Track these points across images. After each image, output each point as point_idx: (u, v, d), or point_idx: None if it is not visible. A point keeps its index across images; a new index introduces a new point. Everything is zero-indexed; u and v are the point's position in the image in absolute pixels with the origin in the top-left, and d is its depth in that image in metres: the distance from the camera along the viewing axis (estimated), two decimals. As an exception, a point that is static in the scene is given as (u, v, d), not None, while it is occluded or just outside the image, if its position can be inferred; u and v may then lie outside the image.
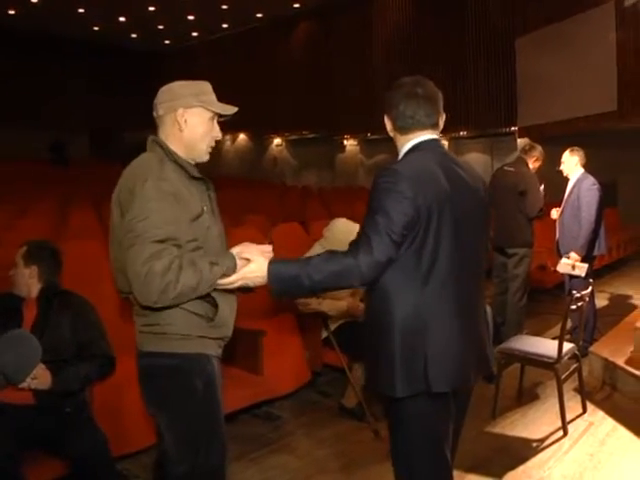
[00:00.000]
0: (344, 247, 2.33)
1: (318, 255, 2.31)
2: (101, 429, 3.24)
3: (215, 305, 2.42)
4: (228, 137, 22.21)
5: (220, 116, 2.58)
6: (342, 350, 4.65)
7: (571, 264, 5.85)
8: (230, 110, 2.57)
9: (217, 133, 2.58)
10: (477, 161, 15.83)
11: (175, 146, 2.48)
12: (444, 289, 2.32)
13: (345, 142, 19.15)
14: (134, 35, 21.52)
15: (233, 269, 2.33)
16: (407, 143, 2.47)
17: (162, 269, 2.19)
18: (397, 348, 2.29)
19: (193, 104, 2.47)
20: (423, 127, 2.45)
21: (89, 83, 21.08)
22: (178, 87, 2.50)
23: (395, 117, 2.47)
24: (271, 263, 2.33)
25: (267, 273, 2.32)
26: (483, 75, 14.85)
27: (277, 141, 21.22)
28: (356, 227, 4.94)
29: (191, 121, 2.47)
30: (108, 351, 3.45)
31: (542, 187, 6.30)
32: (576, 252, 5.85)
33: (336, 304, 4.69)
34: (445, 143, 15.96)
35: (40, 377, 3.05)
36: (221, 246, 2.55)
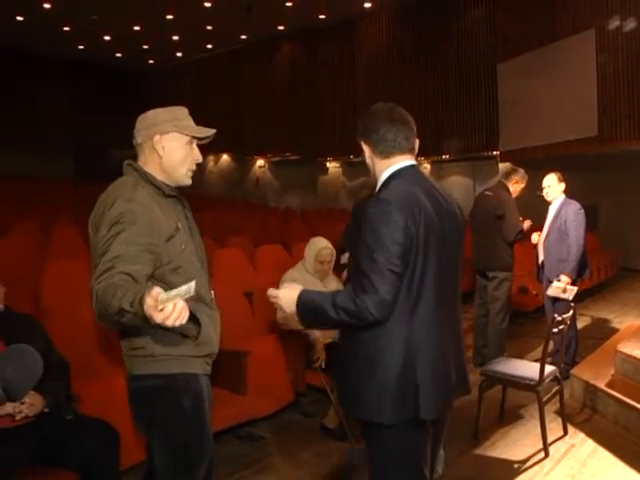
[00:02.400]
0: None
1: (338, 292, 2.33)
2: (109, 423, 3.28)
3: (198, 323, 2.44)
4: (211, 158, 22.24)
5: (200, 139, 2.59)
6: (325, 371, 4.66)
7: (562, 287, 5.88)
8: (207, 132, 2.58)
9: (197, 156, 2.59)
10: (459, 184, 15.97)
11: (154, 172, 2.50)
12: (431, 317, 2.35)
13: (328, 164, 19.25)
14: (119, 54, 21.56)
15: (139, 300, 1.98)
16: (387, 169, 2.48)
17: (96, 282, 2.17)
18: (388, 377, 2.31)
19: (169, 130, 2.49)
20: (403, 151, 2.48)
21: (73, 102, 21.05)
22: (153, 114, 2.52)
23: (376, 142, 2.47)
24: (302, 292, 2.40)
25: (296, 299, 2.39)
26: (465, 99, 15.02)
27: (260, 162, 21.27)
28: (325, 242, 4.98)
29: (168, 147, 2.49)
30: (62, 354, 3.53)
31: (528, 222, 6.37)
32: (566, 275, 5.89)
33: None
34: (427, 166, 16.09)
35: (32, 401, 3.07)
36: (200, 264, 2.58)
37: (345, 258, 2.85)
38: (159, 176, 2.51)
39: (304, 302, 2.38)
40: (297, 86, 19.11)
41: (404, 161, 2.49)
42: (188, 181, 2.58)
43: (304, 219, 13.81)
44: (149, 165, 2.51)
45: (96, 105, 21.49)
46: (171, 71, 23.01)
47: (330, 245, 4.99)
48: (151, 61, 22.80)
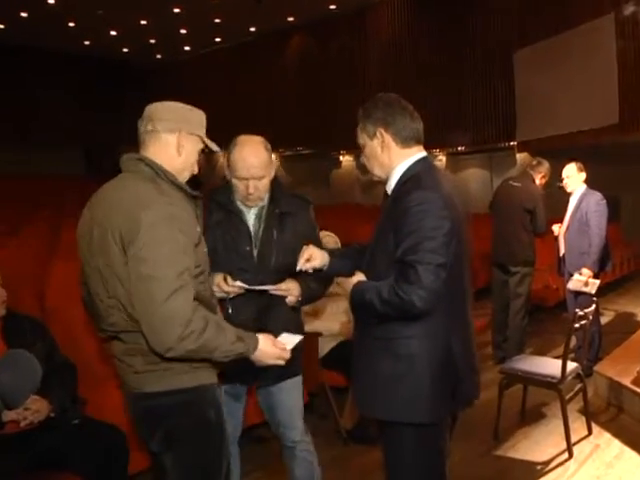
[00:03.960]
0: None
1: (382, 284, 2.33)
2: (116, 427, 3.26)
3: None
4: (222, 153, 22.21)
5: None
6: (342, 370, 4.61)
7: (584, 281, 5.80)
8: (215, 148, 2.53)
9: (196, 168, 2.50)
10: (476, 176, 15.85)
11: (164, 166, 2.36)
12: (463, 309, 2.43)
13: (341, 158, 19.16)
14: (125, 49, 21.59)
15: (254, 349, 2.34)
16: (407, 159, 2.48)
17: (188, 314, 2.10)
18: (427, 375, 2.34)
19: (196, 132, 2.41)
20: (420, 142, 2.51)
21: (80, 98, 21.03)
22: (184, 110, 2.41)
23: (398, 129, 2.47)
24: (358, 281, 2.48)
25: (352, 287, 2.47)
26: (481, 89, 14.89)
27: (272, 157, 21.24)
28: (328, 232, 4.96)
29: (186, 148, 2.39)
30: (67, 357, 3.51)
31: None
32: (588, 268, 5.82)
33: (328, 325, 4.71)
34: (442, 159, 15.99)
35: (37, 407, 3.05)
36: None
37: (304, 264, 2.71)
38: None
39: (356, 291, 2.43)
40: (308, 78, 19.04)
41: (421, 152, 2.51)
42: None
43: (317, 215, 13.73)
44: (160, 158, 2.35)
45: (104, 101, 21.50)
46: (179, 65, 23.00)
47: (332, 234, 4.97)
48: (158, 56, 22.79)
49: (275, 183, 3.08)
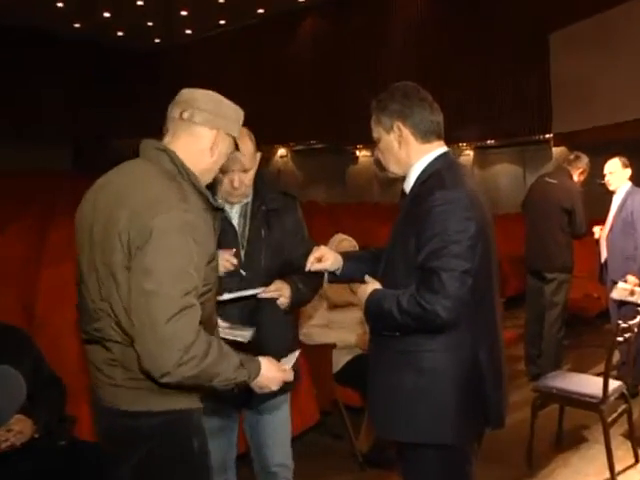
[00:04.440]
0: None
1: (402, 294, 2.33)
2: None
3: None
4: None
5: None
6: (358, 387, 4.59)
7: (629, 289, 5.75)
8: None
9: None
10: (507, 173, 15.78)
11: (188, 165, 2.27)
12: (489, 322, 2.43)
13: (357, 153, 19.15)
14: (120, 32, 21.64)
15: (255, 375, 2.28)
16: (427, 155, 2.50)
17: (190, 338, 2.02)
18: (452, 392, 2.35)
19: (232, 133, 2.34)
20: (441, 136, 2.53)
21: (69, 86, 21.06)
22: (225, 104, 2.33)
23: (417, 123, 2.48)
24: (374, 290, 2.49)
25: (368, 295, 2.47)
26: (512, 76, 14.81)
27: (281, 152, 21.25)
28: (345, 236, 4.94)
29: (220, 149, 2.32)
30: (54, 372, 3.49)
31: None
32: (634, 275, 5.77)
33: (343, 336, 4.69)
34: (470, 153, 15.93)
35: (20, 428, 3.04)
36: None
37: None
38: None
39: (372, 300, 2.44)
40: (322, 65, 19.05)
41: (442, 147, 2.53)
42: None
43: (331, 214, 13.71)
44: (185, 155, 2.25)
45: (95, 90, 21.50)
46: (179, 50, 23.06)
47: (350, 237, 4.95)
48: (157, 40, 22.87)
49: (258, 177, 3.06)
